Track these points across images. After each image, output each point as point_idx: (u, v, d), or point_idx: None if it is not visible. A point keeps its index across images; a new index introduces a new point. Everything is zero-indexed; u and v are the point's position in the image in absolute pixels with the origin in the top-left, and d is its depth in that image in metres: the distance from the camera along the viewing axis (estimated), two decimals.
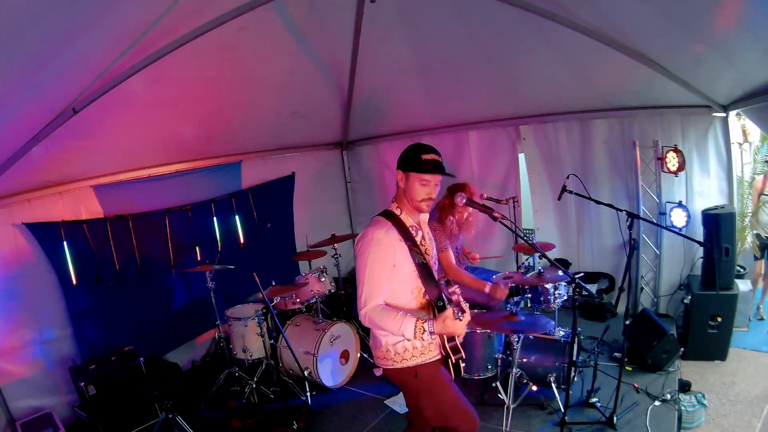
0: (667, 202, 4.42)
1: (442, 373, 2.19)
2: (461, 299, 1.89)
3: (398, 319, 1.96)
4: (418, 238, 2.15)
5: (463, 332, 1.98)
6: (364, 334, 4.53)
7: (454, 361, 2.13)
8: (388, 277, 2.07)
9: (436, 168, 2.06)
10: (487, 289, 3.37)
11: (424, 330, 1.94)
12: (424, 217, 2.25)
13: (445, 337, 2.10)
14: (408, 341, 2.12)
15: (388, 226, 2.10)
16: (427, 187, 2.07)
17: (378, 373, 2.25)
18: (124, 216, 4.06)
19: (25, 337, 3.57)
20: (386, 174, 6.05)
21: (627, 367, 3.65)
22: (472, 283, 3.45)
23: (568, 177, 3.58)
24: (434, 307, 2.10)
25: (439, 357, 2.20)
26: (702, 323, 3.86)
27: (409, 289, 2.14)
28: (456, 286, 1.88)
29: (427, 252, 2.19)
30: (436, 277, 2.16)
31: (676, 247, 4.46)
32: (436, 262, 2.30)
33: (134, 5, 2.42)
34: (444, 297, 2.10)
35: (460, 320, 1.92)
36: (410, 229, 2.13)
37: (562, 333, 3.51)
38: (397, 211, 2.17)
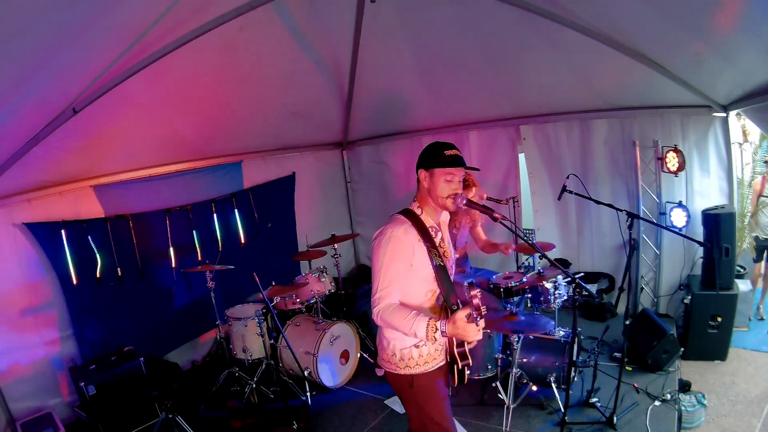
0: (667, 202, 4.42)
1: (438, 386, 2.17)
2: (481, 304, 1.83)
3: (410, 318, 1.93)
4: (437, 240, 2.12)
5: (476, 337, 1.89)
6: (365, 334, 4.54)
7: (460, 367, 2.11)
8: (404, 276, 2.03)
9: (460, 162, 2.05)
10: (502, 249, 3.55)
11: (437, 329, 1.89)
12: (444, 217, 2.22)
13: (455, 341, 2.09)
14: (416, 348, 2.11)
15: (408, 225, 2.06)
16: (452, 183, 2.06)
17: (380, 373, 2.25)
18: (125, 216, 4.06)
19: (26, 338, 3.57)
20: (386, 174, 6.04)
21: (627, 367, 3.65)
22: (492, 248, 3.69)
23: (568, 177, 3.59)
24: (448, 309, 2.08)
25: (443, 363, 2.19)
26: (702, 323, 3.86)
27: (424, 291, 2.11)
28: (478, 290, 1.80)
29: (446, 254, 2.16)
30: (453, 280, 2.14)
31: (676, 247, 4.46)
32: (453, 265, 2.28)
33: (134, 5, 2.42)
34: (460, 300, 2.08)
35: (476, 324, 1.84)
36: (430, 229, 2.10)
37: (562, 333, 3.51)
38: (418, 211, 2.12)
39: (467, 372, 2.15)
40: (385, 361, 2.19)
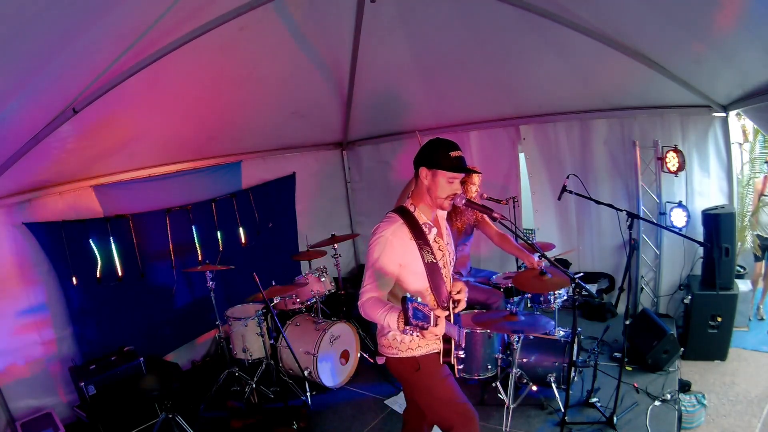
0: (667, 202, 4.42)
1: (442, 367, 2.18)
2: (412, 318, 1.70)
3: (384, 310, 1.94)
4: (431, 236, 2.13)
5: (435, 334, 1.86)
6: (364, 334, 4.54)
7: (441, 363, 2.14)
8: (389, 274, 2.05)
9: (464, 166, 2.06)
10: (527, 262, 3.40)
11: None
12: (441, 212, 2.22)
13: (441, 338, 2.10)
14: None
15: (399, 224, 2.08)
16: (453, 184, 2.06)
17: (380, 361, 2.24)
18: (125, 216, 4.06)
19: (25, 337, 3.57)
20: (386, 174, 6.05)
21: (627, 367, 3.65)
22: (518, 252, 3.54)
23: (568, 177, 3.59)
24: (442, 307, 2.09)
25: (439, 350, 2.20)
26: (702, 323, 3.86)
27: (424, 287, 2.11)
28: (410, 304, 1.71)
29: (441, 249, 2.16)
30: (445, 277, 2.14)
31: (676, 247, 4.46)
32: (453, 260, 2.28)
33: (134, 5, 2.42)
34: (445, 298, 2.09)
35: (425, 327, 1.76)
36: (423, 226, 2.11)
37: (562, 333, 3.51)
38: (411, 208, 2.14)
39: (458, 367, 2.21)
40: (386, 347, 2.20)
